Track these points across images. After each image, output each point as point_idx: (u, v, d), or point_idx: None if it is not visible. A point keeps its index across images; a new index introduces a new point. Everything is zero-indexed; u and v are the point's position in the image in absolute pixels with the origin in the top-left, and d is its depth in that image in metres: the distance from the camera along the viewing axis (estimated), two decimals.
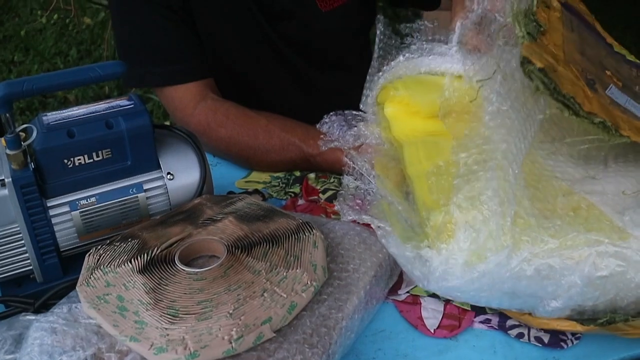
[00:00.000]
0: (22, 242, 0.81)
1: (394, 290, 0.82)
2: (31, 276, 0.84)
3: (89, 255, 0.78)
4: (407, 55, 0.93)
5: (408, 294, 0.81)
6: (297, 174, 1.08)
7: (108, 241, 0.80)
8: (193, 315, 0.65)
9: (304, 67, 1.28)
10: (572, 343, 0.75)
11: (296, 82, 1.29)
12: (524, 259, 0.69)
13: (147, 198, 0.86)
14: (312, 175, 1.06)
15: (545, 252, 0.70)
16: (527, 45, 0.72)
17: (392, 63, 0.95)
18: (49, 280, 0.84)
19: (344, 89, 1.04)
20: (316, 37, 1.22)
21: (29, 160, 0.80)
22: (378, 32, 0.98)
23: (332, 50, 1.04)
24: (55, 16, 2.87)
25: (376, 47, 0.98)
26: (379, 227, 0.79)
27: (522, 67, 0.70)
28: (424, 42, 0.95)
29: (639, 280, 0.69)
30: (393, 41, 0.99)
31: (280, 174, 1.09)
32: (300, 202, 1.00)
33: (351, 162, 0.92)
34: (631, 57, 1.00)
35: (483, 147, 0.78)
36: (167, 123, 2.40)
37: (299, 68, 1.28)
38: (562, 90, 0.69)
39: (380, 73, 0.96)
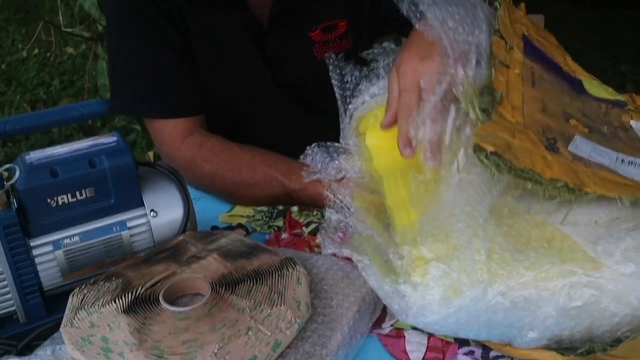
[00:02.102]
0: (5, 282, 0.81)
1: (377, 323, 0.82)
2: (14, 316, 0.84)
3: (73, 295, 0.78)
4: (372, 92, 0.97)
5: (392, 327, 0.82)
6: (280, 207, 1.09)
7: (92, 280, 0.80)
8: (178, 356, 0.65)
9: (296, 109, 1.31)
10: None
11: (288, 122, 1.31)
12: (499, 292, 0.71)
13: (131, 236, 0.86)
14: (295, 209, 1.06)
15: (520, 285, 0.71)
16: (479, 129, 0.76)
17: (361, 100, 0.98)
18: (33, 321, 0.83)
19: (336, 130, 1.07)
20: (311, 82, 1.25)
21: (12, 200, 0.80)
22: (330, 72, 1.02)
23: (325, 95, 1.06)
24: (36, 50, 2.88)
25: (335, 87, 1.02)
26: (358, 260, 0.80)
27: (475, 154, 0.73)
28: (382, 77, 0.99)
29: (613, 309, 0.70)
30: (354, 73, 1.03)
31: (264, 208, 1.09)
32: (284, 235, 1.01)
33: (332, 195, 0.93)
34: (602, 90, 1.02)
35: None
36: (151, 153, 2.41)
37: (291, 109, 1.30)
38: (519, 165, 0.72)
39: (351, 106, 0.99)
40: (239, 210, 1.11)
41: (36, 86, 3.69)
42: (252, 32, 1.20)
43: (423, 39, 0.89)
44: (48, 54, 3.01)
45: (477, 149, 0.72)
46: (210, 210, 1.11)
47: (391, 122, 0.92)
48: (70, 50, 2.93)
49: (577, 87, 0.98)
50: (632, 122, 0.98)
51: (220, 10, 1.18)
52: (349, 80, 1.03)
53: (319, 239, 0.86)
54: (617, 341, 0.71)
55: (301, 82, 1.28)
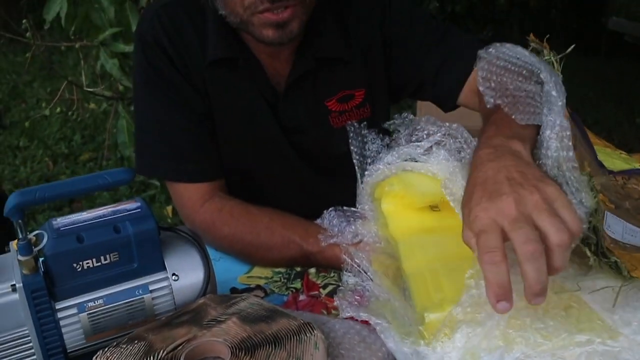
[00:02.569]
0: (31, 344, 0.83)
1: None
2: None
3: (96, 358, 0.80)
4: (387, 160, 0.99)
5: None
6: (298, 269, 1.11)
7: (115, 343, 0.82)
8: None
9: (313, 175, 1.34)
10: None
11: (307, 187, 1.35)
12: (516, 359, 0.72)
13: (153, 299, 0.89)
14: (312, 271, 1.09)
15: (537, 353, 0.72)
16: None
17: (376, 167, 1.00)
18: None
19: (352, 196, 1.09)
20: (328, 150, 1.28)
21: (39, 264, 0.83)
22: (350, 139, 1.05)
23: (344, 161, 1.09)
24: (58, 109, 2.96)
25: (354, 153, 1.04)
26: (377, 323, 0.82)
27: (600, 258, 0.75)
28: (403, 145, 1.00)
29: None
30: (376, 141, 1.05)
31: (282, 270, 1.12)
32: (302, 297, 1.03)
33: (350, 259, 0.96)
34: (616, 158, 1.04)
35: None
36: (169, 208, 2.44)
37: (308, 176, 1.33)
38: (609, 255, 0.74)
39: (368, 172, 1.01)
40: (257, 271, 1.13)
41: (58, 141, 3.78)
42: (269, 100, 1.24)
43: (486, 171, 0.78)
44: (70, 113, 3.10)
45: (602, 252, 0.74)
46: (230, 271, 1.13)
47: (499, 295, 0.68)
48: (92, 106, 3.01)
49: (594, 156, 1.00)
50: None
51: (239, 77, 1.23)
52: (370, 148, 1.07)
53: (336, 302, 0.88)
54: None
55: (319, 150, 1.31)
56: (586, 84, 4.64)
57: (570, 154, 0.76)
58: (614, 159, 1.03)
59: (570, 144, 0.76)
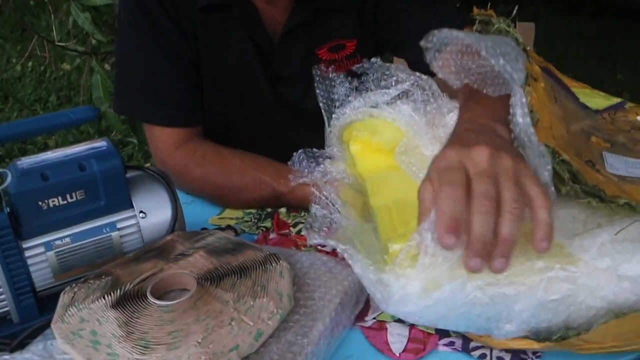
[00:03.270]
0: None
1: (360, 317, 0.85)
2: (7, 317, 0.86)
3: (64, 293, 0.80)
4: (354, 105, 0.99)
5: (375, 320, 0.84)
6: (269, 210, 1.11)
7: (82, 279, 0.82)
8: (164, 346, 0.68)
9: (297, 125, 1.33)
10: None
11: (288, 137, 1.33)
12: (478, 287, 0.73)
13: (121, 236, 0.89)
14: (283, 210, 1.09)
15: (498, 280, 0.73)
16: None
17: (343, 111, 1.01)
18: (26, 321, 0.86)
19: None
20: (313, 101, 1.27)
21: (3, 203, 0.83)
22: (316, 82, 1.04)
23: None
24: (31, 64, 2.91)
25: (319, 96, 1.04)
26: (344, 249, 0.81)
27: (553, 159, 0.73)
28: (371, 92, 1.00)
29: (589, 302, 0.73)
30: (344, 84, 1.05)
31: (253, 210, 1.12)
32: (272, 235, 1.03)
33: (318, 192, 0.96)
34: (597, 97, 1.05)
35: None
36: (147, 165, 2.43)
37: (292, 125, 1.33)
38: (588, 182, 0.74)
39: (335, 116, 1.01)
40: (229, 213, 1.13)
41: (33, 102, 3.72)
42: (261, 48, 1.23)
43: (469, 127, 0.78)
44: (43, 68, 3.04)
45: (554, 152, 0.73)
46: (201, 214, 1.14)
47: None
48: (66, 66, 2.96)
49: (577, 101, 1.00)
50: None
51: (232, 25, 1.21)
52: (338, 92, 1.07)
53: (303, 232, 0.88)
54: None
55: (302, 100, 1.31)
56: (570, 42, 4.66)
57: (528, 120, 0.75)
58: (595, 98, 1.04)
59: (527, 111, 0.75)
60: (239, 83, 1.26)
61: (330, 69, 1.11)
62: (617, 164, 0.84)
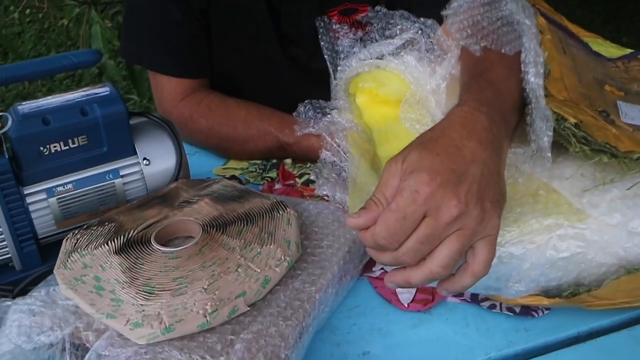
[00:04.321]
0: (0, 230, 0.81)
1: (368, 267, 0.83)
2: (10, 264, 0.85)
3: (66, 239, 0.79)
4: (360, 56, 0.96)
5: (382, 271, 0.83)
6: (274, 160, 1.09)
7: (85, 226, 0.81)
8: (168, 292, 0.66)
9: (306, 85, 1.29)
10: (543, 313, 0.77)
11: (297, 95, 1.30)
12: None
13: (124, 184, 0.87)
14: (288, 161, 1.07)
15: (506, 240, 0.71)
16: (549, 100, 0.71)
17: (349, 62, 0.98)
18: (28, 268, 0.84)
19: None
20: (323, 62, 1.24)
21: (4, 148, 0.81)
22: (320, 34, 1.02)
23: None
24: (28, 11, 2.85)
25: (324, 49, 1.02)
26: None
27: (558, 125, 0.70)
28: (376, 43, 0.98)
29: (599, 259, 0.71)
30: (348, 35, 1.02)
31: (258, 161, 1.10)
32: (277, 186, 1.02)
33: (329, 138, 0.94)
34: (610, 47, 1.02)
35: None
36: None
37: (301, 86, 1.29)
38: (597, 139, 0.71)
39: (341, 68, 0.99)
40: (233, 163, 1.11)
41: (33, 58, 3.67)
42: (271, 3, 1.19)
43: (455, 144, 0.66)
44: (41, 16, 2.97)
45: (560, 119, 0.70)
46: (205, 165, 1.12)
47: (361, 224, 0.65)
48: (64, 21, 2.91)
49: (589, 50, 0.98)
50: None
51: None
52: (343, 43, 1.04)
53: (312, 177, 0.86)
54: None
55: (311, 60, 1.27)
56: (575, 5, 4.59)
57: (541, 81, 0.72)
58: (608, 48, 1.00)
59: (542, 70, 0.72)
60: (247, 38, 1.23)
61: (334, 20, 1.08)
62: (632, 113, 0.82)
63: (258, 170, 1.07)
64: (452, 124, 0.67)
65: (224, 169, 1.10)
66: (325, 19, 1.08)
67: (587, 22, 4.31)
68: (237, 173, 1.06)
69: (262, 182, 1.03)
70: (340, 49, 1.03)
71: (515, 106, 0.75)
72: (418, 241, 0.61)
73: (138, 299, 0.66)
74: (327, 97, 1.09)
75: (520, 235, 0.72)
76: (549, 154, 0.71)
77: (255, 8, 1.19)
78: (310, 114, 1.05)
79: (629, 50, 1.01)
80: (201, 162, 1.13)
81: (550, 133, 0.70)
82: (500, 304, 0.78)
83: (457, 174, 0.62)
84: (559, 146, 0.81)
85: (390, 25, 1.04)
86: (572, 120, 0.72)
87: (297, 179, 1.03)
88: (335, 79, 1.06)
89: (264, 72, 1.27)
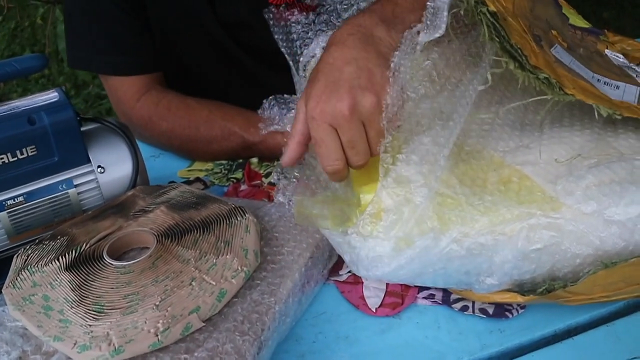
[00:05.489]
0: None
1: (334, 270, 0.80)
2: None
3: (17, 256, 0.75)
4: (322, 45, 0.92)
5: (350, 274, 0.79)
6: (240, 160, 1.05)
7: (37, 240, 0.77)
8: (118, 310, 0.63)
9: (258, 68, 1.25)
10: (518, 312, 0.74)
11: (250, 82, 1.27)
12: (453, 240, 0.67)
13: (79, 193, 0.84)
14: (254, 160, 1.04)
15: (475, 231, 0.67)
16: None
17: (312, 51, 0.94)
18: None
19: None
20: (271, 44, 1.20)
21: None
22: (272, 26, 0.99)
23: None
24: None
25: (279, 41, 0.98)
26: (311, 214, 0.76)
27: (475, 8, 0.68)
28: (335, 23, 0.95)
29: (574, 250, 0.67)
30: (300, 20, 0.99)
31: (223, 161, 1.06)
32: (243, 187, 0.98)
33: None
34: (578, 19, 0.99)
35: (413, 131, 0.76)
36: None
37: (253, 69, 1.25)
38: (511, 39, 0.67)
39: (303, 59, 0.95)
40: (198, 165, 1.08)
41: (6, 58, 3.61)
42: None
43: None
44: (10, 18, 2.92)
45: (479, 1, 0.68)
46: (169, 167, 1.08)
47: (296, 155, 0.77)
48: (38, 20, 2.86)
49: (559, 8, 0.94)
50: (607, 51, 0.95)
51: None
52: (296, 29, 1.00)
53: (274, 180, 0.83)
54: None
55: (264, 42, 1.23)
56: None
57: None
58: (576, 19, 0.97)
59: None
60: (189, 28, 1.18)
61: (281, 9, 1.04)
62: (563, 56, 0.78)
63: (223, 172, 1.03)
64: (331, 45, 0.76)
65: (188, 171, 1.06)
66: (272, 9, 1.04)
67: None
68: (201, 175, 1.03)
69: (227, 184, 1.00)
70: (295, 36, 0.99)
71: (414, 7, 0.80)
72: (349, 148, 0.71)
73: (87, 319, 0.62)
74: (287, 79, 1.05)
75: (490, 225, 0.68)
76: (445, 15, 0.71)
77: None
78: (275, 110, 1.01)
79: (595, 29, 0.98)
80: (165, 164, 1.09)
81: None
82: (473, 304, 0.75)
83: (334, 82, 0.71)
84: (532, 128, 0.78)
85: (345, 6, 1.01)
86: (491, 7, 0.68)
87: (263, 179, 0.99)
88: (296, 70, 1.02)
89: (216, 60, 1.23)
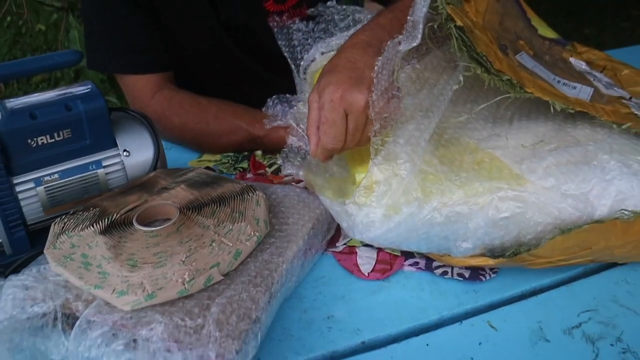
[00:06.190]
0: None
1: (332, 243, 0.92)
2: (0, 249, 0.91)
3: (55, 223, 0.86)
4: (322, 50, 1.04)
5: (345, 246, 0.91)
6: (246, 153, 1.17)
7: (72, 211, 0.88)
8: (150, 264, 0.74)
9: (260, 70, 1.37)
10: (490, 277, 0.86)
11: (251, 82, 1.38)
12: (434, 208, 0.79)
13: (106, 174, 0.94)
14: (259, 153, 1.15)
15: (452, 201, 0.80)
16: (451, 8, 0.82)
17: (312, 55, 1.06)
18: (18, 253, 0.91)
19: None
20: (270, 47, 1.32)
21: None
22: (276, 33, 1.09)
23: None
24: (9, 19, 2.90)
25: (283, 47, 1.09)
26: (316, 183, 0.88)
27: (445, 24, 0.80)
28: (333, 31, 1.06)
29: (537, 218, 0.80)
30: (300, 28, 1.10)
31: (230, 154, 1.18)
32: (249, 175, 1.09)
33: (295, 123, 1.02)
34: (547, 31, 1.11)
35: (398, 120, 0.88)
36: None
37: (255, 71, 1.36)
38: (477, 48, 0.79)
39: (304, 63, 1.07)
40: (207, 156, 1.19)
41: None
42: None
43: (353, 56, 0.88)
44: (20, 23, 3.02)
45: (449, 19, 0.79)
46: (181, 157, 1.19)
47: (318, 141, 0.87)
48: (40, 26, 2.96)
49: (527, 21, 1.07)
50: (572, 59, 1.07)
51: None
52: (297, 37, 1.12)
53: (279, 161, 0.94)
54: None
55: (266, 45, 1.34)
56: None
57: None
58: (545, 29, 1.09)
59: None
60: (195, 32, 1.29)
61: (284, 17, 1.16)
62: (527, 61, 0.90)
63: (231, 162, 1.14)
64: (345, 49, 0.90)
65: (198, 161, 1.17)
66: (276, 17, 1.16)
67: (551, 15, 4.42)
68: (211, 165, 1.14)
69: (234, 172, 1.11)
70: (296, 42, 1.11)
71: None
72: (352, 133, 0.84)
73: (123, 272, 0.73)
74: (289, 81, 1.16)
75: (465, 197, 0.81)
76: (420, 27, 0.82)
77: (195, 2, 1.25)
78: (278, 107, 1.13)
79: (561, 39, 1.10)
80: (177, 156, 1.20)
81: (425, 10, 0.81)
82: (452, 270, 0.87)
83: (357, 79, 0.84)
84: (503, 121, 0.90)
85: (342, 17, 1.11)
86: (459, 22, 0.80)
87: (267, 169, 1.10)
88: (298, 74, 1.14)
89: (221, 63, 1.34)
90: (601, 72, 1.07)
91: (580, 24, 4.35)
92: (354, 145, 0.86)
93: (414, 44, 0.83)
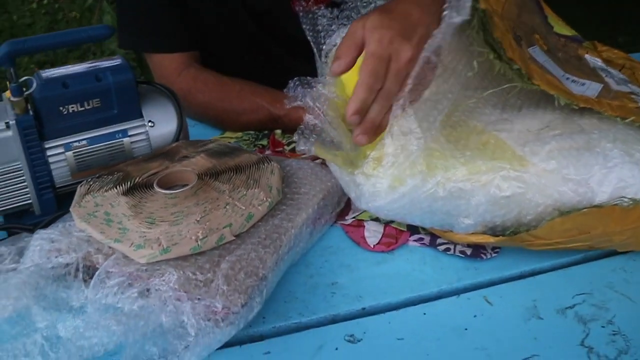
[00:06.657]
0: (23, 178, 0.94)
1: (341, 216, 0.96)
2: (30, 209, 0.97)
3: (81, 185, 0.91)
4: (343, 35, 1.08)
5: (354, 219, 0.95)
6: (266, 132, 1.21)
7: (97, 175, 0.93)
8: (167, 222, 0.79)
9: (283, 55, 1.41)
10: (491, 255, 0.89)
11: (273, 65, 1.42)
12: (437, 182, 0.83)
13: (131, 142, 1.00)
14: (278, 132, 1.19)
15: (456, 177, 0.83)
16: None
17: (333, 40, 1.10)
18: (46, 213, 0.97)
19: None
20: (295, 32, 1.36)
21: (29, 107, 0.93)
22: (301, 18, 1.13)
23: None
24: (45, 1, 2.98)
25: (307, 31, 1.13)
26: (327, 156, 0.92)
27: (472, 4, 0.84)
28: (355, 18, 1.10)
29: (537, 200, 0.83)
30: (325, 14, 1.14)
31: (251, 132, 1.22)
32: (267, 152, 1.14)
33: (312, 103, 1.06)
34: (563, 29, 1.15)
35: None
36: None
37: (279, 56, 1.41)
38: (493, 33, 0.83)
39: (325, 47, 1.11)
40: (229, 134, 1.23)
41: None
42: None
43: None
44: (56, 6, 3.09)
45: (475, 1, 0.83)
46: (203, 135, 1.23)
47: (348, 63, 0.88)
48: (76, 13, 3.04)
49: (544, 18, 1.10)
50: (587, 56, 1.10)
51: None
52: (322, 22, 1.16)
53: (295, 137, 0.99)
54: None
55: (290, 30, 1.39)
56: (572, 5, 4.69)
57: None
58: (561, 27, 1.12)
59: None
60: (221, 16, 1.34)
61: (310, 2, 1.20)
62: (539, 56, 0.93)
63: (251, 139, 1.19)
64: (400, 1, 0.88)
65: (220, 138, 1.22)
66: (303, 2, 1.20)
67: (585, 22, 4.41)
68: (232, 141, 1.19)
69: (254, 149, 1.15)
70: (320, 28, 1.15)
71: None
72: (394, 75, 0.83)
73: (141, 228, 0.78)
74: (310, 64, 1.20)
75: (468, 174, 0.84)
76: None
77: None
78: (299, 89, 1.17)
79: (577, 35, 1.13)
80: (200, 133, 1.25)
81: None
82: (455, 247, 0.90)
83: (409, 31, 0.83)
84: (515, 107, 0.93)
85: (365, 3, 1.16)
86: (482, 5, 0.83)
87: (285, 147, 1.15)
88: (320, 58, 1.18)
89: (246, 47, 1.38)
90: (619, 70, 1.10)
91: (614, 31, 4.33)
92: (381, 108, 0.85)
93: (465, 18, 0.85)
